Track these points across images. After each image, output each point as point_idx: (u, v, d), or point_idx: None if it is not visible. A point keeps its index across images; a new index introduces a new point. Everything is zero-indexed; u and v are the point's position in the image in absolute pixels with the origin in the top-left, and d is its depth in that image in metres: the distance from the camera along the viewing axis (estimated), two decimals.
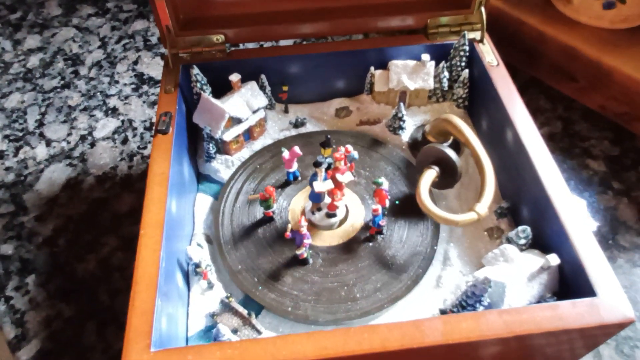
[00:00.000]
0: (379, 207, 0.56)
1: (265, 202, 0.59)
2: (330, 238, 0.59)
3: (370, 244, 0.58)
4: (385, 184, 0.57)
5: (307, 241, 0.54)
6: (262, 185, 0.64)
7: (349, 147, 0.61)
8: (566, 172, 0.76)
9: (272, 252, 0.58)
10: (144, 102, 0.88)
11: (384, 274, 0.56)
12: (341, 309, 0.53)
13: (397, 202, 0.62)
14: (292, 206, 0.62)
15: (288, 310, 0.53)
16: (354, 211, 0.62)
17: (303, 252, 0.55)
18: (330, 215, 0.59)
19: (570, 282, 0.50)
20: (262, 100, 0.67)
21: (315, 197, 0.58)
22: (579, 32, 0.79)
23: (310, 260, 0.57)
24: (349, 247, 0.58)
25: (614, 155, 0.78)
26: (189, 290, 0.56)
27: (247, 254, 0.58)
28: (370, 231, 0.59)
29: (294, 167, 0.63)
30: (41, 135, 0.84)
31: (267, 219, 0.61)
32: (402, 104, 0.66)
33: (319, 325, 0.53)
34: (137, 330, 0.44)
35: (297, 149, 0.60)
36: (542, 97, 0.87)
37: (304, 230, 0.54)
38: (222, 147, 0.67)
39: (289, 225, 0.56)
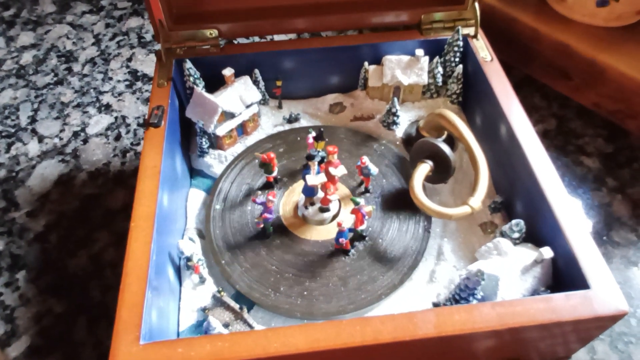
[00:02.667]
0: (342, 221, 0.54)
1: (265, 166, 0.60)
2: (304, 229, 0.59)
3: (328, 256, 0.57)
4: (367, 208, 0.55)
5: (268, 215, 0.56)
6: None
7: (365, 159, 0.59)
8: (560, 169, 0.76)
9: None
10: (137, 98, 0.88)
11: (320, 281, 0.55)
12: (259, 290, 0.53)
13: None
14: (294, 186, 0.63)
15: (221, 262, 0.56)
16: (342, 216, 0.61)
17: (260, 222, 0.56)
18: (323, 209, 0.59)
19: (563, 275, 0.50)
20: (255, 94, 0.67)
21: (309, 191, 0.58)
22: (572, 30, 0.79)
23: (270, 235, 0.58)
24: (312, 247, 0.58)
25: (608, 152, 0.78)
26: (180, 285, 0.55)
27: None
28: (335, 246, 0.57)
29: None
30: (33, 131, 0.83)
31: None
32: (396, 100, 0.66)
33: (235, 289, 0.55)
34: (126, 323, 0.43)
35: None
36: (536, 95, 0.87)
37: (270, 204, 0.55)
38: (215, 142, 0.66)
39: (259, 192, 0.58)
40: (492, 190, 0.63)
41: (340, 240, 0.55)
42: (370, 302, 0.53)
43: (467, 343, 0.45)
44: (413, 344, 0.42)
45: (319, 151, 0.57)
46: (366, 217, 0.56)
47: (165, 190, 0.55)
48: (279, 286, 0.54)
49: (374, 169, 0.60)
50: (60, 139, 0.82)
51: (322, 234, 0.59)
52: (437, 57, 0.69)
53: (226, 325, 0.51)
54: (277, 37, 0.92)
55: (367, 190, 0.63)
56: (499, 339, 0.45)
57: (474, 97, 0.69)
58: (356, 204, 0.55)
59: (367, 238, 0.58)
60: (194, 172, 0.67)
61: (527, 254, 0.51)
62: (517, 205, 0.58)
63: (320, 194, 0.58)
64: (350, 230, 0.56)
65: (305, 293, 0.54)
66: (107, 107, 0.87)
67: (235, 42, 0.77)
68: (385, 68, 0.69)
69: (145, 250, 0.48)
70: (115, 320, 0.43)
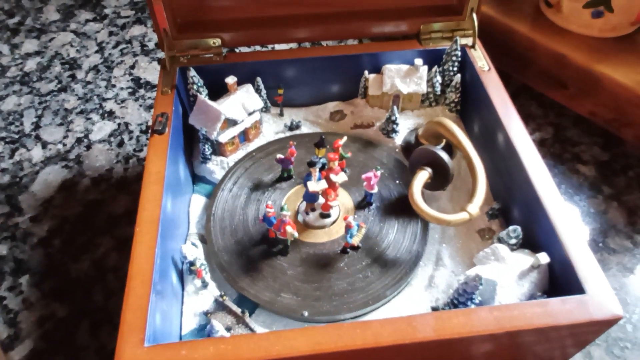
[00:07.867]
0: (271, 205, 0.56)
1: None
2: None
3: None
4: (289, 228, 0.54)
5: (286, 163, 0.64)
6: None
7: (351, 220, 0.55)
8: (557, 176, 0.77)
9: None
10: (140, 105, 0.89)
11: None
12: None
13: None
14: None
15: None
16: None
17: (281, 158, 0.63)
18: (324, 215, 0.60)
19: (559, 281, 0.51)
20: (257, 102, 0.68)
21: (310, 197, 0.59)
22: (568, 40, 0.80)
23: (288, 179, 0.65)
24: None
25: (603, 160, 0.80)
26: (183, 289, 0.56)
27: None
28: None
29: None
30: (37, 137, 0.84)
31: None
32: (395, 108, 0.67)
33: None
34: (131, 325, 0.44)
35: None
36: (533, 104, 0.88)
37: (288, 157, 0.63)
38: (218, 149, 0.67)
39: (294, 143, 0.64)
40: (490, 197, 0.64)
41: (260, 216, 0.59)
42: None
43: (466, 346, 0.46)
44: (412, 347, 0.43)
45: (320, 158, 0.58)
46: (281, 230, 0.55)
47: (169, 195, 0.56)
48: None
49: (355, 239, 0.57)
50: (64, 145, 0.83)
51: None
52: (436, 66, 0.71)
53: (228, 329, 0.52)
54: (278, 46, 0.94)
55: (344, 250, 0.58)
56: (496, 343, 0.46)
57: (471, 105, 0.70)
58: (282, 209, 0.56)
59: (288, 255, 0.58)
60: (196, 178, 0.68)
61: (524, 259, 0.52)
62: (514, 211, 0.59)
63: (321, 200, 0.59)
64: (270, 224, 0.57)
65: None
66: (110, 114, 0.88)
67: (238, 50, 0.78)
68: (385, 77, 0.70)
69: (149, 255, 0.49)
70: (120, 322, 0.44)
